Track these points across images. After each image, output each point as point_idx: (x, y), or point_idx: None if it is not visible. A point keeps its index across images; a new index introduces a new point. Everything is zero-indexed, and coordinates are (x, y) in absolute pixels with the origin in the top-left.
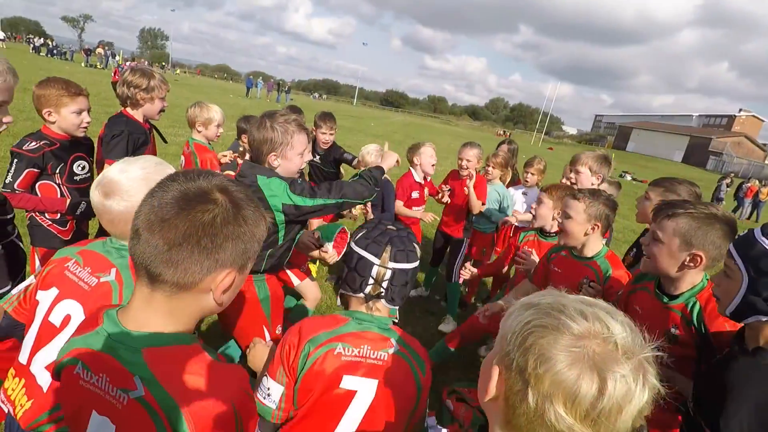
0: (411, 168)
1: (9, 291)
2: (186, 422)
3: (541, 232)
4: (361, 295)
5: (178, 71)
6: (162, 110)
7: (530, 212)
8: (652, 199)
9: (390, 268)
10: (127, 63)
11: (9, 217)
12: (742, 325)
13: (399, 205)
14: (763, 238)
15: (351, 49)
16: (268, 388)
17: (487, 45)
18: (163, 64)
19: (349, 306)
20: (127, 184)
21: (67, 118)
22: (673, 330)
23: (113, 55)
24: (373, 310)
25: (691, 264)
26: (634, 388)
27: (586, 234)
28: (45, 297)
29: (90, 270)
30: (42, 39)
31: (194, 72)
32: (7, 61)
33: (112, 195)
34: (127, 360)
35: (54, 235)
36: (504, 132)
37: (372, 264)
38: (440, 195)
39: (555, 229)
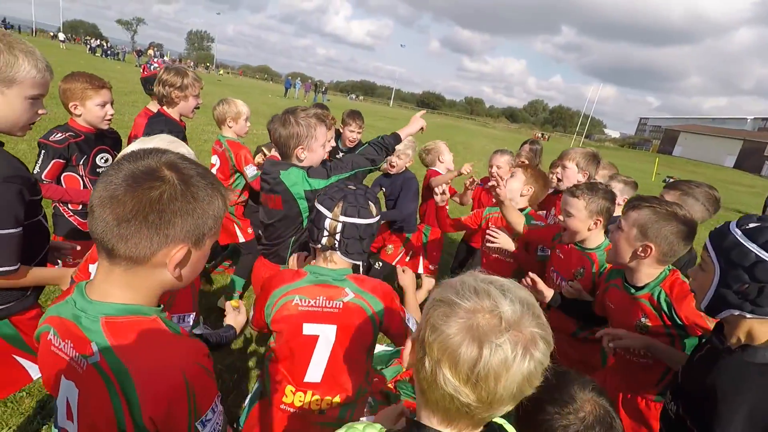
0: (434, 168)
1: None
2: (136, 389)
3: None
4: (319, 245)
5: (221, 72)
6: (197, 107)
7: (494, 175)
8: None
9: (340, 221)
10: (155, 59)
11: (38, 198)
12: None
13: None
14: (737, 230)
15: (389, 51)
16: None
17: (527, 46)
18: (208, 64)
19: (316, 258)
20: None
21: (92, 110)
22: (643, 320)
23: (161, 56)
24: (330, 262)
25: (642, 254)
26: (512, 357)
27: (589, 229)
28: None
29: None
30: (98, 41)
31: (237, 73)
32: (44, 58)
33: None
34: (87, 327)
35: (75, 227)
36: (542, 135)
37: (325, 217)
38: (465, 191)
39: (521, 205)
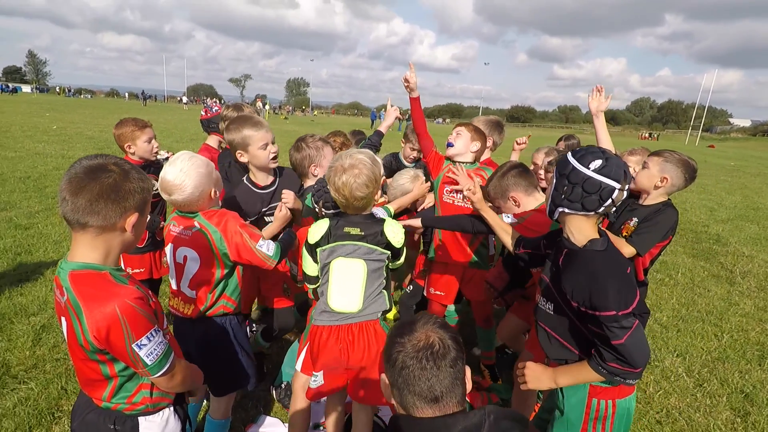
0: None
1: None
2: (85, 317)
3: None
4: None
5: (315, 113)
6: None
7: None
8: (650, 168)
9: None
10: (214, 101)
11: None
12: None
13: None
14: (569, 154)
15: (474, 71)
16: None
17: (625, 43)
18: (304, 107)
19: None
20: (175, 182)
21: (141, 146)
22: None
23: (263, 105)
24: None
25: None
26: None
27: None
28: (168, 250)
29: (183, 227)
30: (214, 99)
31: (329, 112)
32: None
33: (172, 192)
34: (62, 278)
35: None
36: (650, 134)
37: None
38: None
39: (469, 159)
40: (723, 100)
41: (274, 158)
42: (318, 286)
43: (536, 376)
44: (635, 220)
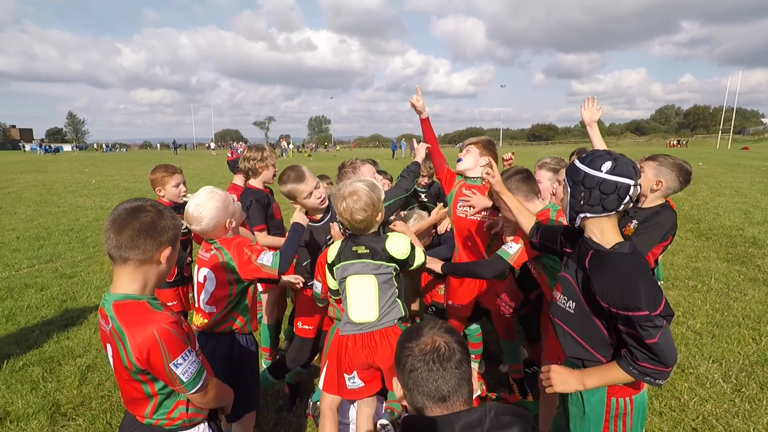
0: None
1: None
2: (128, 341)
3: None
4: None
5: (338, 147)
6: (274, 174)
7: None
8: (646, 172)
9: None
10: (239, 144)
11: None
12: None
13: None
14: (575, 159)
15: (492, 94)
16: None
17: (643, 54)
18: (326, 143)
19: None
20: (194, 214)
21: (170, 190)
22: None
23: (287, 144)
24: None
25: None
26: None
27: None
28: (194, 271)
29: (205, 251)
30: (239, 142)
31: (351, 146)
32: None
33: (191, 223)
34: (106, 308)
35: None
36: (678, 142)
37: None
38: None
39: (478, 175)
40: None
41: (322, 201)
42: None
43: (563, 379)
44: (635, 222)
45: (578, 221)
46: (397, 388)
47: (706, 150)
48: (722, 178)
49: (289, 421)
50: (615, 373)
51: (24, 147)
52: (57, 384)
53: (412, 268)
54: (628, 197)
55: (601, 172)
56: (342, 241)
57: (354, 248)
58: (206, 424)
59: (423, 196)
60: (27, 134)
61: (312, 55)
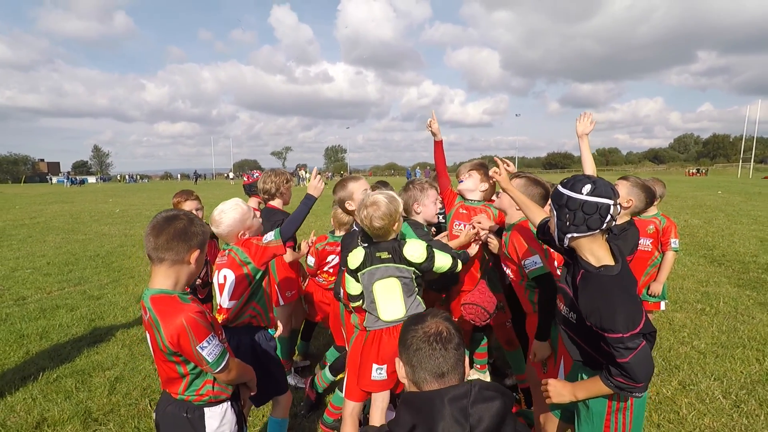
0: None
1: None
2: (162, 329)
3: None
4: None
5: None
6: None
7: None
8: (619, 191)
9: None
10: (255, 171)
11: None
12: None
13: None
14: (558, 185)
15: (508, 123)
16: None
17: (659, 83)
18: (342, 172)
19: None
20: (215, 218)
21: None
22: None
23: (305, 173)
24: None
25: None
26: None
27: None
28: (215, 277)
29: (222, 255)
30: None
31: (367, 174)
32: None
33: (212, 224)
34: (145, 301)
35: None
36: (698, 170)
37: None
38: None
39: (479, 198)
40: None
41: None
42: (363, 305)
43: (558, 392)
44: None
45: (567, 241)
46: (399, 367)
47: (727, 179)
48: (740, 207)
49: (303, 426)
50: (599, 386)
51: (51, 179)
52: (88, 393)
53: (439, 270)
54: (609, 216)
55: (582, 194)
56: (364, 248)
57: (377, 254)
58: (229, 402)
59: (441, 217)
60: (54, 167)
61: (329, 87)
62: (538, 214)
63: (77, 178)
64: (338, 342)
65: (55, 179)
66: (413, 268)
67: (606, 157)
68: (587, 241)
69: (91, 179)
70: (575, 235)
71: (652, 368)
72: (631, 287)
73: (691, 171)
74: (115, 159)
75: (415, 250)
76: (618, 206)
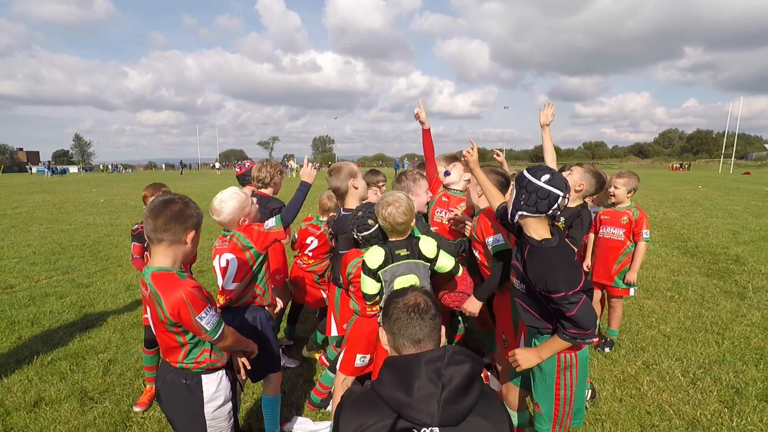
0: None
1: None
2: (162, 302)
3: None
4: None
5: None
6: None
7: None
8: (573, 174)
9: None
10: (247, 161)
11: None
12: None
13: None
14: (525, 171)
15: (496, 115)
16: None
17: (646, 78)
18: (329, 162)
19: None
20: (216, 207)
21: None
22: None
23: (294, 162)
24: None
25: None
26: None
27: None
28: (215, 261)
29: (222, 241)
30: (246, 160)
31: (355, 164)
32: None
33: (214, 214)
34: (146, 278)
35: None
36: (681, 165)
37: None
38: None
39: (461, 187)
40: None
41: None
42: (381, 303)
43: (526, 358)
44: (562, 219)
45: (516, 217)
46: (382, 335)
47: (708, 174)
48: (718, 201)
49: (291, 402)
50: (558, 343)
51: (31, 169)
52: (83, 375)
53: (440, 270)
54: (557, 205)
55: (540, 181)
56: (384, 247)
57: (397, 251)
58: (224, 370)
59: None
60: (34, 157)
61: (317, 76)
62: (497, 198)
63: (58, 167)
64: (327, 333)
65: (35, 169)
66: (429, 264)
67: (592, 151)
68: (533, 221)
69: (73, 169)
70: (524, 213)
71: (595, 317)
72: (569, 255)
73: (674, 166)
74: (98, 148)
75: (429, 245)
76: (566, 199)
